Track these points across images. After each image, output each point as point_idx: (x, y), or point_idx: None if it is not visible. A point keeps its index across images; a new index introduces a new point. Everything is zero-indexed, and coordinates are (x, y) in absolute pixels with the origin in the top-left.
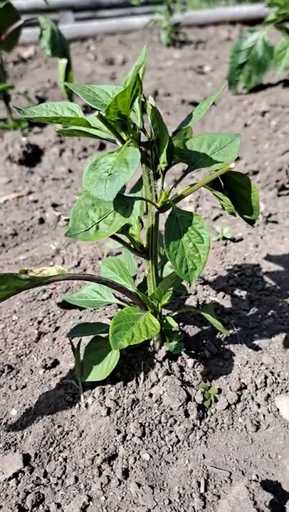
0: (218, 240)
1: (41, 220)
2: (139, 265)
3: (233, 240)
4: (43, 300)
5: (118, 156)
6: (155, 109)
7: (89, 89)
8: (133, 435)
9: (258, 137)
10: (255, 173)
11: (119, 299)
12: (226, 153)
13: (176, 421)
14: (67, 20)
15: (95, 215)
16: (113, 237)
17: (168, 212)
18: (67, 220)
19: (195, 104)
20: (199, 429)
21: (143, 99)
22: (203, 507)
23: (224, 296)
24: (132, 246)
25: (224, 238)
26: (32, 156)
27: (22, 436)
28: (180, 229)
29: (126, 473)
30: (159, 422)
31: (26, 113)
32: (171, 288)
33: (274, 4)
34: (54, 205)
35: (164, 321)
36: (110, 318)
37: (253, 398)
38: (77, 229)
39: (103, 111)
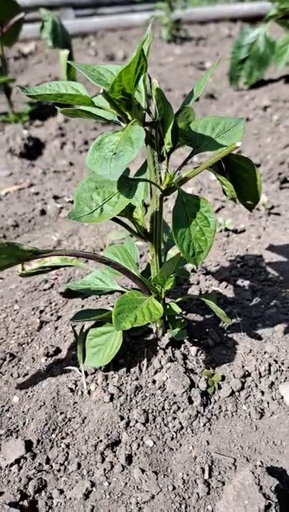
0: (221, 231)
1: (42, 212)
2: (141, 256)
3: (235, 231)
4: (44, 290)
5: (123, 135)
6: (160, 90)
7: (93, 69)
8: (136, 421)
9: (259, 131)
10: (258, 166)
11: (122, 287)
12: (231, 137)
13: (179, 407)
14: (68, 17)
15: (99, 198)
16: (116, 220)
17: (172, 198)
18: (72, 202)
19: (197, 99)
20: (203, 415)
21: (148, 80)
22: (208, 493)
23: (227, 286)
24: (136, 231)
25: (226, 229)
26: (33, 149)
27: (24, 423)
28: (187, 213)
29: (129, 459)
30: (163, 408)
31: (30, 91)
32: (174, 274)
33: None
34: (55, 197)
35: (168, 306)
36: (113, 306)
37: (256, 386)
38: (82, 212)
39: (108, 88)
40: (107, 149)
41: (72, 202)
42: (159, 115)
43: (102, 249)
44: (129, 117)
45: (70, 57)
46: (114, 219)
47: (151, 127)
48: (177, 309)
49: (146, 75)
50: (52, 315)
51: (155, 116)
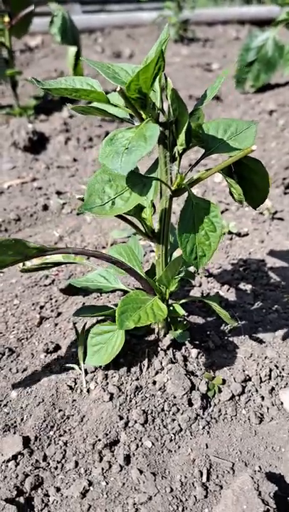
0: (224, 234)
1: (45, 207)
2: (144, 255)
3: (238, 234)
4: (45, 285)
5: (137, 132)
6: (175, 90)
7: (108, 67)
8: (135, 422)
9: (265, 135)
10: None
11: (125, 286)
12: (243, 140)
13: (179, 409)
14: (75, 12)
15: (112, 191)
16: (123, 218)
17: (184, 203)
18: (82, 199)
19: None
20: (202, 418)
21: (163, 80)
22: (205, 496)
23: (229, 289)
24: (143, 230)
25: (230, 232)
26: (37, 144)
27: (22, 419)
28: (194, 217)
29: (127, 459)
30: (162, 409)
31: (45, 85)
32: (179, 275)
33: (285, 4)
34: (58, 193)
35: (171, 307)
36: (115, 305)
37: (257, 390)
38: (93, 203)
39: (124, 87)
40: (119, 144)
41: (82, 199)
42: (173, 115)
43: (104, 247)
44: (144, 116)
45: (78, 54)
46: (122, 217)
47: (165, 127)
48: (181, 311)
49: (163, 75)
50: (52, 311)
51: (169, 116)
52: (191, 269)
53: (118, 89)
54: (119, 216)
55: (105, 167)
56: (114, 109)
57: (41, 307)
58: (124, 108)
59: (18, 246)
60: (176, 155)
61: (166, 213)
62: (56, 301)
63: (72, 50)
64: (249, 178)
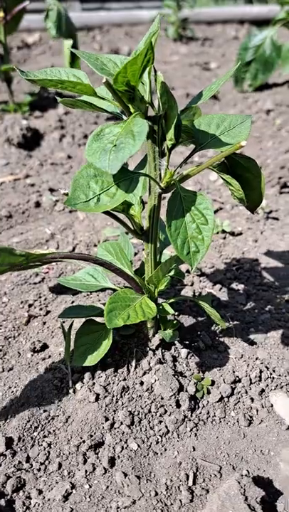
0: (218, 232)
1: (37, 204)
2: (135, 254)
3: (232, 233)
4: (34, 283)
5: (124, 127)
6: (164, 83)
7: (97, 58)
8: (121, 423)
9: (261, 135)
10: None
11: (114, 284)
12: (236, 135)
13: (166, 411)
14: (75, 9)
15: (97, 187)
16: (112, 215)
17: (170, 194)
18: (66, 194)
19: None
20: (190, 420)
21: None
22: (191, 500)
23: (221, 288)
24: (132, 227)
25: (224, 231)
26: (31, 140)
27: (6, 419)
28: (183, 208)
29: (112, 461)
30: (149, 411)
31: (29, 75)
32: (169, 274)
33: (285, 2)
34: (51, 190)
35: (161, 307)
36: (104, 304)
37: (246, 392)
38: (77, 199)
39: (111, 79)
40: (106, 140)
41: (67, 194)
42: (163, 109)
43: (95, 245)
44: (132, 110)
45: (75, 48)
46: (110, 214)
47: (154, 121)
48: (170, 310)
49: (152, 68)
50: (41, 309)
51: (158, 110)
52: (182, 267)
53: (104, 80)
54: (107, 213)
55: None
56: (103, 103)
57: (30, 305)
58: (113, 102)
59: (3, 255)
60: (166, 150)
61: (156, 210)
62: (45, 299)
63: (68, 43)
64: (243, 177)
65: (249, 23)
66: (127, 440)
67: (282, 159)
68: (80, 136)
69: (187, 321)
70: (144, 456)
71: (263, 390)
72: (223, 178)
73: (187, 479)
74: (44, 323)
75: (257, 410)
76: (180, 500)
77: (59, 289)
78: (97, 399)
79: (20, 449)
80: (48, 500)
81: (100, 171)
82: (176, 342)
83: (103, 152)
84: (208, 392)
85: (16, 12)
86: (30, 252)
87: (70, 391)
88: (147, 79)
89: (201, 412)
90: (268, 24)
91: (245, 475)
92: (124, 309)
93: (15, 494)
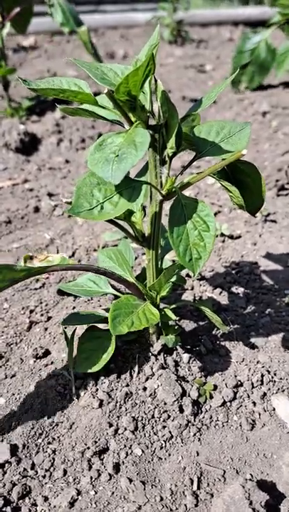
0: (217, 236)
1: (36, 209)
2: (135, 258)
3: (231, 237)
4: (35, 289)
5: (126, 137)
6: (165, 92)
7: (97, 68)
8: (125, 429)
9: (258, 137)
10: None
11: (115, 289)
12: (235, 142)
13: (169, 416)
14: None
15: (100, 195)
16: (114, 223)
17: (172, 202)
18: (69, 203)
19: (196, 101)
20: (193, 425)
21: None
22: (196, 505)
23: (221, 292)
24: (134, 234)
25: (222, 235)
26: (29, 145)
27: (10, 426)
28: (185, 216)
29: (117, 467)
30: (152, 416)
31: (32, 85)
32: (171, 280)
33: (278, 4)
34: (50, 195)
35: (163, 312)
36: (105, 310)
37: (248, 396)
38: (81, 207)
39: (113, 89)
40: (109, 150)
41: (69, 203)
42: (163, 118)
43: (95, 250)
44: (132, 119)
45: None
46: (111, 221)
47: (155, 130)
48: (172, 316)
49: (153, 77)
50: (42, 315)
51: (159, 118)
52: (183, 272)
53: (106, 91)
54: (109, 220)
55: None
56: (104, 111)
57: (31, 311)
58: (113, 110)
59: (4, 272)
60: (166, 158)
61: (157, 218)
62: (46, 304)
63: (83, 30)
64: (243, 182)
65: (243, 24)
66: (131, 446)
67: (279, 161)
68: (78, 140)
69: (188, 325)
70: (149, 462)
71: (264, 394)
72: (222, 185)
73: (192, 484)
74: (46, 329)
75: (259, 414)
76: (185, 505)
77: (60, 295)
78: (100, 405)
79: (25, 456)
80: (54, 507)
81: (103, 179)
82: (177, 347)
83: (106, 162)
84: (211, 397)
85: (12, 16)
86: (31, 267)
87: (74, 397)
88: (148, 88)
89: (204, 417)
90: (262, 25)
91: (249, 479)
92: (128, 316)
93: (21, 501)
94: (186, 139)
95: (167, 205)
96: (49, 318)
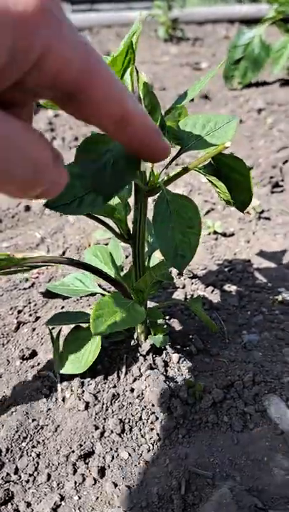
0: (209, 233)
1: (27, 208)
2: (127, 257)
3: (224, 234)
4: (24, 289)
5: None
6: (147, 84)
7: None
8: (112, 432)
9: (253, 134)
10: (250, 169)
11: (103, 289)
12: (221, 135)
13: (157, 418)
14: (65, 11)
15: (81, 188)
16: (97, 219)
17: (156, 198)
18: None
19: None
20: (182, 427)
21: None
22: (183, 510)
23: (213, 290)
24: (119, 232)
25: (215, 232)
26: None
27: None
28: (170, 212)
29: (102, 471)
30: (140, 418)
31: None
32: (158, 278)
33: (274, 1)
34: None
35: (150, 312)
36: None
37: (240, 396)
38: (58, 200)
39: None
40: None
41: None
42: (146, 110)
43: (86, 248)
44: None
45: None
46: (95, 218)
47: None
48: (160, 315)
49: (134, 69)
50: (30, 315)
51: None
52: (174, 270)
53: None
54: (91, 216)
55: (76, 160)
56: None
57: (19, 311)
58: None
59: None
60: None
61: (141, 214)
62: (35, 304)
63: None
64: (230, 177)
65: (239, 22)
66: (117, 449)
67: (274, 158)
68: (71, 138)
69: (178, 324)
70: (135, 465)
71: (256, 395)
72: (209, 180)
73: (179, 488)
74: (33, 329)
75: (250, 415)
76: (172, 510)
77: (49, 295)
78: (86, 407)
79: (9, 461)
80: None
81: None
82: (167, 347)
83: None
84: (201, 398)
85: None
86: (13, 257)
87: (59, 399)
88: (129, 80)
89: (193, 419)
90: (258, 23)
91: (239, 482)
92: (111, 315)
93: (3, 507)
94: (170, 133)
95: (151, 202)
96: (37, 318)
